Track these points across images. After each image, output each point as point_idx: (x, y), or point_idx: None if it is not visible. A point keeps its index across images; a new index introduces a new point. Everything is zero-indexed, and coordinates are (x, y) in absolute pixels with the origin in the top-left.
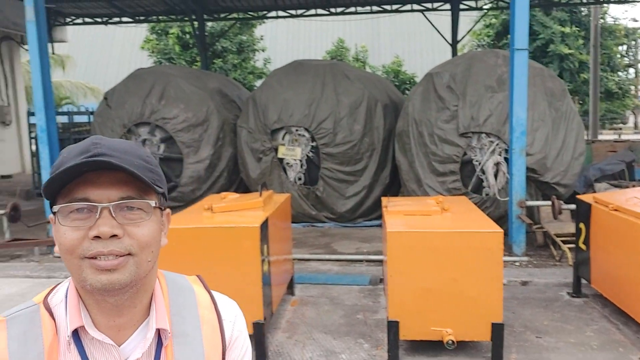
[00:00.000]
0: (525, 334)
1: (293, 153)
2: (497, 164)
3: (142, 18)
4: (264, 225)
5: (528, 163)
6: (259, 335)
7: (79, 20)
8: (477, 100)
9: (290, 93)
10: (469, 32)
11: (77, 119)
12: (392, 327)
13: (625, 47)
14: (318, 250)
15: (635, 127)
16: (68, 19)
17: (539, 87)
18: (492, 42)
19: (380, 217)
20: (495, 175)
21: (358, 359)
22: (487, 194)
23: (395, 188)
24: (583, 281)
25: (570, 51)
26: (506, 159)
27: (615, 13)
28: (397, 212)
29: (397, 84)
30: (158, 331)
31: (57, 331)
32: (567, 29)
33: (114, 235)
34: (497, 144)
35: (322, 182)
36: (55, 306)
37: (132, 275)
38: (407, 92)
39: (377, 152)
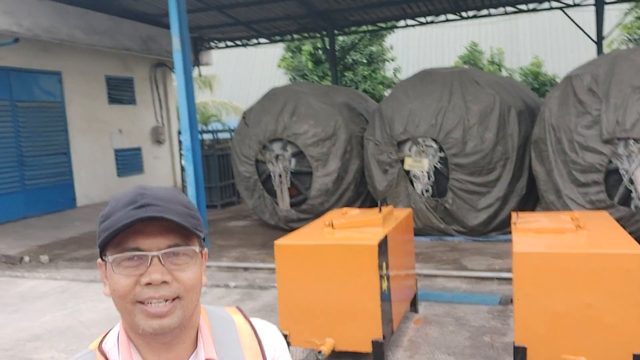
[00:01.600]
0: None
1: (420, 165)
2: None
3: (277, 38)
4: (383, 242)
5: None
6: (378, 354)
7: (222, 44)
8: (623, 103)
9: (416, 103)
10: (616, 26)
11: (221, 135)
12: (519, 353)
13: None
14: (445, 265)
15: None
16: (212, 44)
17: None
18: None
19: None
20: None
21: None
22: (636, 207)
23: (533, 199)
24: None
25: None
26: None
27: None
28: (526, 229)
29: (536, 86)
30: None
31: None
32: None
33: (164, 282)
34: None
35: (451, 193)
36: (109, 351)
37: (181, 319)
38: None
39: (511, 161)
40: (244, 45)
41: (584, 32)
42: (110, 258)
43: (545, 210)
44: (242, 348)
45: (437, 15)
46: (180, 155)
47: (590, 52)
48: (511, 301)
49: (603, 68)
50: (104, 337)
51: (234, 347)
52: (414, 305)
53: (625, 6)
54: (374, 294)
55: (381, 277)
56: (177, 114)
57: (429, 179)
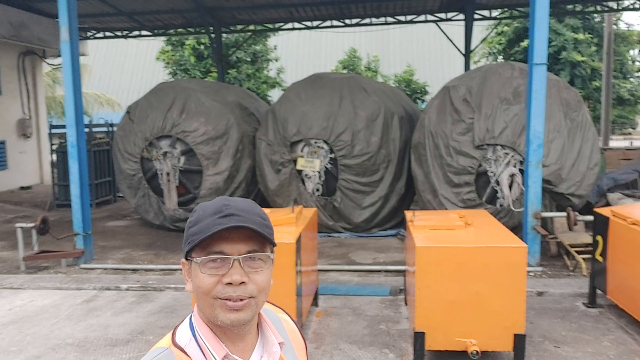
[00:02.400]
0: (544, 344)
1: (312, 165)
2: (512, 176)
3: (160, 31)
4: (298, 241)
5: (543, 174)
6: None
7: (100, 35)
8: (493, 113)
9: (308, 106)
10: (482, 41)
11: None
12: (419, 338)
13: (637, 51)
14: (336, 260)
15: None
16: (89, 33)
17: (555, 98)
18: (503, 50)
19: (394, 227)
20: (510, 187)
21: None
22: (501, 205)
23: (409, 198)
24: (598, 292)
25: (582, 58)
26: (521, 171)
27: (629, 19)
28: (423, 226)
29: (408, 93)
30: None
31: None
32: (580, 36)
33: (242, 282)
34: (512, 156)
35: (339, 192)
36: (186, 345)
37: (253, 314)
38: (418, 101)
39: (393, 163)
40: (124, 37)
41: (454, 44)
42: (198, 259)
43: (422, 209)
44: (287, 332)
45: (323, 20)
46: (52, 151)
47: (456, 61)
48: (400, 291)
49: (476, 80)
50: (173, 333)
51: (282, 331)
52: (315, 299)
53: (489, 22)
54: (290, 290)
55: (297, 273)
56: (46, 106)
57: (319, 178)
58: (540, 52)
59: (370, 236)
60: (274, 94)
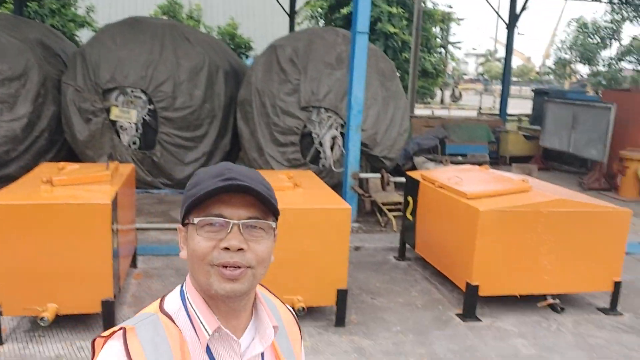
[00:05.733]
0: (361, 296)
1: (127, 115)
2: (334, 138)
3: None
4: (115, 201)
5: (361, 138)
6: (108, 314)
7: None
8: (318, 76)
9: (125, 52)
10: (306, 4)
11: None
12: None
13: (439, 29)
14: (156, 218)
15: (442, 102)
16: None
17: (373, 67)
18: (325, 14)
19: None
20: (332, 148)
21: None
22: (323, 165)
23: (234, 155)
24: (407, 247)
25: (395, 30)
26: (342, 134)
27: None
28: None
29: (232, 47)
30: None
31: (183, 336)
32: (394, 10)
33: (240, 249)
34: (335, 119)
35: (159, 147)
36: (174, 314)
37: (249, 286)
38: (242, 56)
39: (217, 119)
40: None
41: (279, 3)
42: (195, 220)
43: (248, 167)
44: (282, 318)
45: None
46: None
47: (282, 22)
48: None
49: (302, 42)
50: (161, 301)
51: (277, 317)
52: (133, 260)
53: None
54: (105, 253)
55: (113, 235)
56: None
57: (136, 131)
58: (363, 21)
59: None
60: (83, 35)
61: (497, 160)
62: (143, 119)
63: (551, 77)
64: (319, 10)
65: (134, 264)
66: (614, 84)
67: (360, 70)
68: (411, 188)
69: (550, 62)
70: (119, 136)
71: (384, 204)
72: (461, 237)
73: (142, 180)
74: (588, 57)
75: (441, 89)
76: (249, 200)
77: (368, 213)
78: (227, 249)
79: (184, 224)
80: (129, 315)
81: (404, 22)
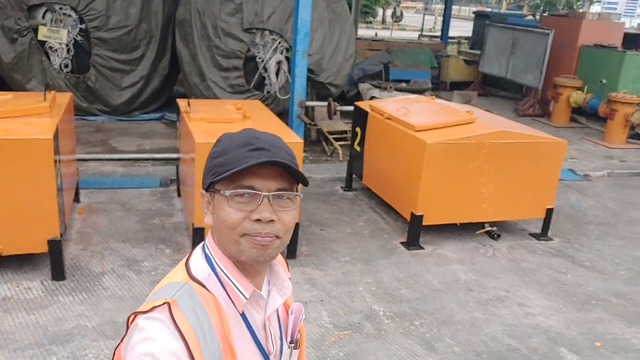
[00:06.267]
0: (310, 228)
1: (57, 35)
2: (279, 63)
3: None
4: (56, 136)
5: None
6: (56, 253)
7: None
8: None
9: None
10: None
11: None
12: (198, 234)
13: None
14: (95, 148)
15: (383, 21)
16: None
17: None
18: None
19: (158, 109)
20: (277, 74)
21: (162, 265)
22: (268, 92)
23: (173, 79)
24: (354, 177)
25: None
26: (287, 58)
27: None
28: (200, 118)
29: None
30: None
31: (218, 302)
32: None
33: (271, 220)
34: (280, 42)
35: (93, 70)
36: (205, 280)
37: (277, 252)
38: None
39: (155, 40)
40: None
41: None
42: (226, 192)
43: (188, 92)
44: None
45: None
46: None
47: None
48: (171, 182)
49: None
50: (187, 269)
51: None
52: (76, 194)
53: None
54: (49, 191)
55: (56, 172)
56: None
57: (68, 52)
58: None
59: (132, 120)
60: None
61: (439, 85)
62: (74, 39)
63: None
64: None
65: (76, 198)
66: (550, 6)
67: None
68: (359, 119)
69: None
70: (49, 58)
71: (330, 133)
72: (408, 168)
73: (77, 107)
74: None
75: (383, 8)
76: (277, 171)
77: (314, 142)
78: (258, 220)
79: (208, 191)
80: (76, 253)
81: None
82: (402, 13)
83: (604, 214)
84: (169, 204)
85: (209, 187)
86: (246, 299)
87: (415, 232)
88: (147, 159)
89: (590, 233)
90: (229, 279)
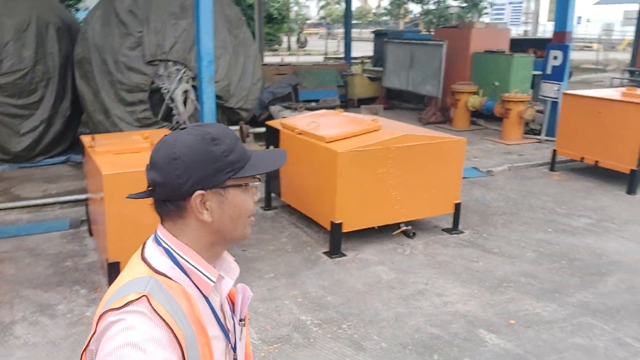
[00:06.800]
0: (232, 250)
1: None
2: (186, 92)
3: None
4: None
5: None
6: None
7: None
8: (162, 27)
9: None
10: None
11: None
12: (113, 268)
13: None
14: None
15: (289, 48)
16: None
17: (219, 14)
18: None
19: (63, 152)
20: (185, 103)
21: (77, 306)
22: (177, 122)
23: (76, 120)
24: (273, 195)
25: None
26: (194, 87)
27: None
28: (105, 151)
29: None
30: None
31: (184, 288)
32: None
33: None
34: (184, 72)
35: None
36: (168, 271)
37: None
38: (71, 10)
39: (54, 81)
40: None
41: None
42: (255, 183)
43: (93, 131)
44: None
45: None
46: None
47: None
48: (82, 222)
49: None
50: (147, 263)
51: None
52: None
53: None
54: None
55: None
56: None
57: None
58: None
59: (35, 166)
60: None
61: (347, 103)
62: None
63: (387, 17)
64: None
65: None
66: (443, 21)
67: (207, 18)
68: (272, 137)
69: (385, 3)
70: None
71: None
72: (323, 179)
73: None
74: None
75: (287, 35)
76: None
77: None
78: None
79: (214, 188)
80: None
81: None
82: (306, 39)
83: (506, 204)
84: (81, 244)
85: (217, 185)
86: (213, 282)
87: (337, 240)
88: (54, 203)
89: (496, 222)
90: (194, 267)
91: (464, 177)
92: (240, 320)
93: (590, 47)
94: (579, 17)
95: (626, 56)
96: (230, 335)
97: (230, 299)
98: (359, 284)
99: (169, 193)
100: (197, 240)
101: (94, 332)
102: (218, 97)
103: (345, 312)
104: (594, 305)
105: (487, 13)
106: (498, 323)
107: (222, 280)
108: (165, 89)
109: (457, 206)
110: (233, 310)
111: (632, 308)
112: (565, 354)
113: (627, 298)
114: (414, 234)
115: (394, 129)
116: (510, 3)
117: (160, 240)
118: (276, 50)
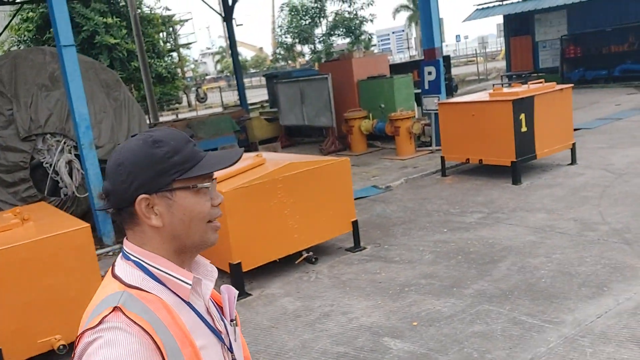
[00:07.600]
0: None
1: None
2: (70, 162)
3: None
4: None
5: (99, 155)
6: None
7: None
8: (34, 101)
9: None
10: (6, 28)
11: None
12: None
13: (164, 34)
14: None
15: (189, 105)
16: None
17: (94, 79)
18: (34, 37)
19: None
20: (70, 174)
21: None
22: (65, 194)
23: None
24: None
25: (116, 41)
26: (77, 156)
27: (150, 3)
28: None
29: None
30: None
31: (160, 298)
32: (109, 20)
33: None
34: (65, 142)
35: None
36: (141, 283)
37: None
38: None
39: None
40: None
41: None
42: (206, 184)
43: None
44: None
45: None
46: None
47: None
48: None
49: (6, 69)
50: (118, 278)
51: None
52: None
53: (10, 8)
54: None
55: None
56: None
57: None
58: (65, 34)
59: None
60: None
61: (249, 146)
62: None
63: (283, 63)
64: (26, 33)
65: None
66: (330, 56)
67: (77, 85)
68: None
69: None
70: None
71: None
72: None
73: None
74: (305, 37)
75: (185, 92)
76: None
77: None
78: (218, 205)
79: (160, 192)
80: None
81: (124, 31)
82: (205, 94)
83: (405, 214)
84: None
85: (162, 188)
86: (190, 285)
87: (239, 281)
88: None
89: (396, 232)
90: (168, 274)
91: (364, 197)
92: (231, 320)
93: (473, 61)
94: (458, 35)
95: (504, 64)
96: (223, 336)
97: (217, 302)
98: (265, 320)
99: (118, 200)
100: (159, 247)
101: (73, 355)
102: (103, 161)
103: (252, 350)
104: (490, 292)
105: (374, 45)
106: (402, 327)
107: (201, 282)
108: (47, 162)
109: (355, 224)
110: (222, 313)
111: (523, 286)
112: (465, 344)
113: (519, 278)
114: (316, 259)
115: (278, 160)
116: (394, 32)
117: (128, 255)
118: (176, 108)
